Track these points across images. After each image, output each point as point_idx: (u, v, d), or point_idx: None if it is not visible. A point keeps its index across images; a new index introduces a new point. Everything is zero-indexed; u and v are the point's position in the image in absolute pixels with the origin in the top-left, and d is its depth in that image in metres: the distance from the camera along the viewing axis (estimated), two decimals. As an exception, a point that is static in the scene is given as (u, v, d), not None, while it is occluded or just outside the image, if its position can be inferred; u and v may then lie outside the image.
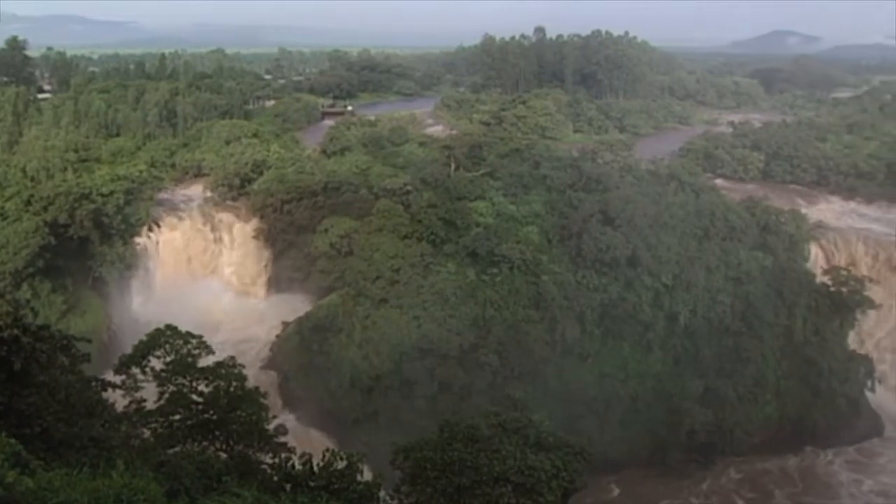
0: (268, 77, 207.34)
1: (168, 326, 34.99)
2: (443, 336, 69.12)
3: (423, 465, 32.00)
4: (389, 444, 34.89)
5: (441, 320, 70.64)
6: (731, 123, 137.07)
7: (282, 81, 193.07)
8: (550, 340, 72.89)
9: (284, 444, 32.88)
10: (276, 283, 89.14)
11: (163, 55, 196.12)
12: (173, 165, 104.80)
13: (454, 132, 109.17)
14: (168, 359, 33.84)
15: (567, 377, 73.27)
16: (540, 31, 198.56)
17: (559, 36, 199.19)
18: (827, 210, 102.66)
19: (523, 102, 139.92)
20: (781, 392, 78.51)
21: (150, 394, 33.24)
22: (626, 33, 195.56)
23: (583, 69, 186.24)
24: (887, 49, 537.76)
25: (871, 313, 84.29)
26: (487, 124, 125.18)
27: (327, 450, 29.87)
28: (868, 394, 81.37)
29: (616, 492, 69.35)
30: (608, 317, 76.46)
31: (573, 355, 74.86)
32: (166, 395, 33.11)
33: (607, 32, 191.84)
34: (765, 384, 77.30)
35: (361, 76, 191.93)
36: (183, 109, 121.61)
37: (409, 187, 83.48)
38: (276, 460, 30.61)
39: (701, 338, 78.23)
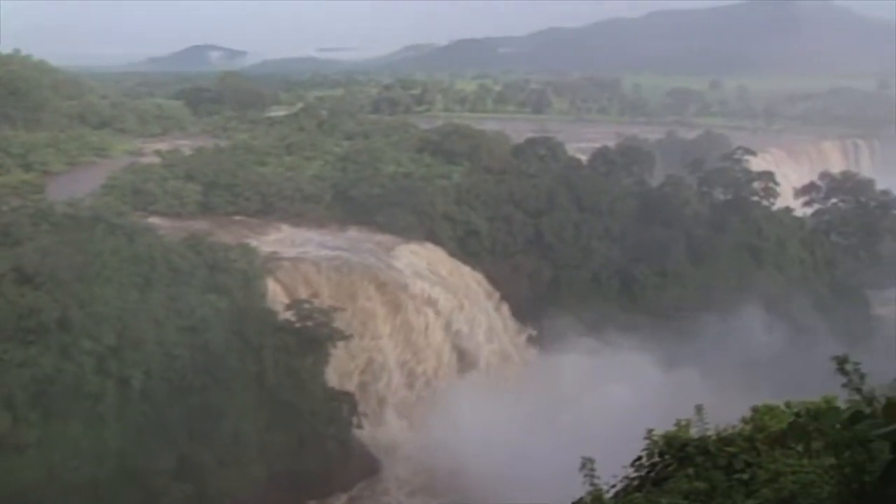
0: None
1: None
2: None
3: None
4: None
5: None
6: (159, 152, 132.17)
7: None
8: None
9: None
10: None
11: None
12: None
13: None
14: None
15: (3, 479, 62.49)
16: None
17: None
18: (278, 240, 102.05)
19: None
20: (265, 446, 76.00)
21: None
22: (18, 51, 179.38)
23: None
24: (318, 62, 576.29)
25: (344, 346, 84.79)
26: None
27: None
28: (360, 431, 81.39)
29: None
30: (45, 395, 67.97)
31: (8, 449, 65.07)
32: None
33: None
34: (246, 441, 74.60)
35: None
36: None
37: None
38: None
39: (163, 401, 73.18)
